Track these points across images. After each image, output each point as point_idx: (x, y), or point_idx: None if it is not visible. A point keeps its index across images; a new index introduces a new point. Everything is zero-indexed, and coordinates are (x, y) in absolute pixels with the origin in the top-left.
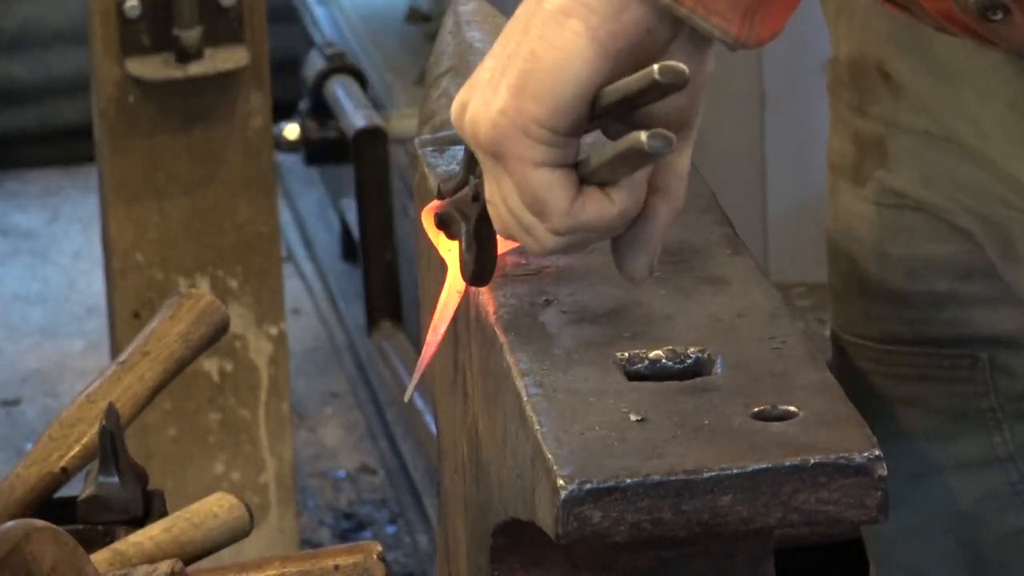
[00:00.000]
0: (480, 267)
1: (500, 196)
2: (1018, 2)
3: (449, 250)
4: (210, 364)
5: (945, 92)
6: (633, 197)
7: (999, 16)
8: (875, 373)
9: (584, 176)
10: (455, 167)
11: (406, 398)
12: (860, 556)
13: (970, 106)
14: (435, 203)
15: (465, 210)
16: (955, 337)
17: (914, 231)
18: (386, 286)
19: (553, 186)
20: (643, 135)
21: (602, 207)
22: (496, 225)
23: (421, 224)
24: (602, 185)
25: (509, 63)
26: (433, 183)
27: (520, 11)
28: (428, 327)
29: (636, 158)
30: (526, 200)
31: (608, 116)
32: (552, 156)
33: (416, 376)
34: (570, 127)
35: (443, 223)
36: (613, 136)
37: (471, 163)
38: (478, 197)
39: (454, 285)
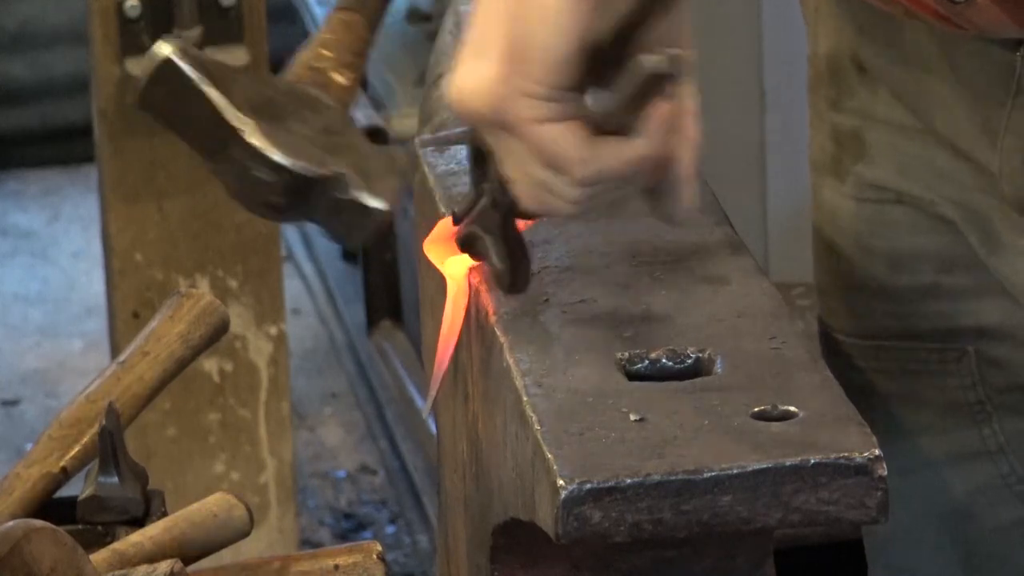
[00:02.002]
0: (516, 273)
1: (516, 165)
2: None
3: (451, 269)
4: (210, 364)
5: (918, 82)
6: (649, 138)
7: None
8: (863, 369)
9: (596, 128)
10: (453, 164)
11: (425, 416)
12: (860, 556)
13: (942, 95)
14: (447, 228)
15: (486, 223)
16: (941, 330)
17: (895, 224)
18: (386, 286)
19: (565, 137)
20: (650, 58)
21: (619, 150)
22: (522, 198)
23: (421, 234)
24: (615, 134)
25: (492, 30)
26: (433, 183)
27: None
28: (428, 326)
29: (645, 84)
30: (542, 158)
31: (604, 63)
32: (556, 111)
33: (432, 394)
34: (569, 80)
35: (467, 244)
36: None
37: (478, 174)
38: (496, 203)
39: (458, 300)
